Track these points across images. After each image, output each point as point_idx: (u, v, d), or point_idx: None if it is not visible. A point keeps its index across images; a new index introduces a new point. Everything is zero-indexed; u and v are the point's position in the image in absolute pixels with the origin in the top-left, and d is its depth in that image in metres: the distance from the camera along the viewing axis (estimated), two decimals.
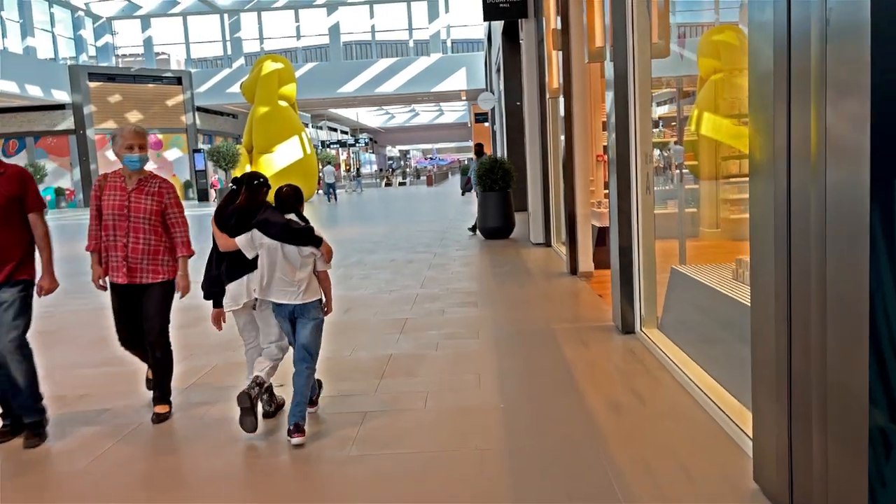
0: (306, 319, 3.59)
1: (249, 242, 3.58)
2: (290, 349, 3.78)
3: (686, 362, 4.40)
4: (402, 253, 10.98)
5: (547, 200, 10.46)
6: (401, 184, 45.93)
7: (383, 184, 46.26)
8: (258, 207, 3.64)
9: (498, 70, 23.11)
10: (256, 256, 3.58)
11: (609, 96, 5.39)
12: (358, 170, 46.28)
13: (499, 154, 24.12)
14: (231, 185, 3.78)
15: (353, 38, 44.74)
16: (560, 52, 7.95)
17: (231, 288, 3.68)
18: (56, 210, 33.66)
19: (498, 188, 11.87)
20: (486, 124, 29.10)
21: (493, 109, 27.80)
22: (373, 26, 38.77)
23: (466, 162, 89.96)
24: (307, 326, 3.59)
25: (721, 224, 5.34)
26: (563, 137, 8.19)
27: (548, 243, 10.62)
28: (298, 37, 38.75)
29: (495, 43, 22.74)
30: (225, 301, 3.73)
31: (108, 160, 34.97)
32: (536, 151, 10.86)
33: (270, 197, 3.75)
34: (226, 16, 37.90)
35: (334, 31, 37.44)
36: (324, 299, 3.71)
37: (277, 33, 42.55)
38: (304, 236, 3.56)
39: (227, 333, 4.31)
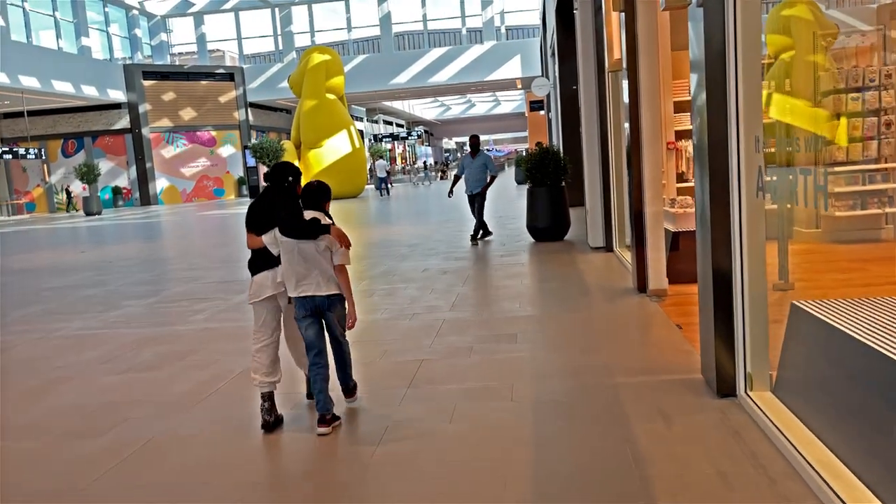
0: (332, 312, 3.64)
1: (273, 240, 3.60)
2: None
3: (828, 463, 2.74)
4: (439, 260, 9.44)
5: (607, 196, 8.74)
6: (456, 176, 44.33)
7: (438, 176, 44.74)
8: (285, 201, 3.64)
9: (553, 54, 21.29)
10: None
11: (698, 55, 3.70)
12: (425, 163, 44.78)
13: (555, 144, 22.32)
14: (264, 179, 3.76)
15: (405, 28, 43.35)
16: (622, 14, 6.25)
17: (256, 280, 3.69)
18: (113, 209, 33.44)
19: (549, 182, 10.19)
20: (542, 112, 27.25)
21: (548, 96, 25.95)
22: (424, 15, 37.24)
23: (523, 153, 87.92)
24: (336, 318, 3.67)
25: (823, 223, 4.06)
26: (626, 121, 6.48)
27: (608, 247, 8.91)
28: (349, 29, 37.55)
29: (550, 25, 20.92)
30: (249, 293, 3.75)
31: (163, 158, 34.61)
32: (594, 138, 9.14)
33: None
34: (277, 10, 36.98)
35: (385, 21, 36.09)
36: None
37: (328, 26, 41.33)
38: (309, 230, 3.49)
39: None
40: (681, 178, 7.61)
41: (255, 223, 3.67)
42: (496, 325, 5.65)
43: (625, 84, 6.35)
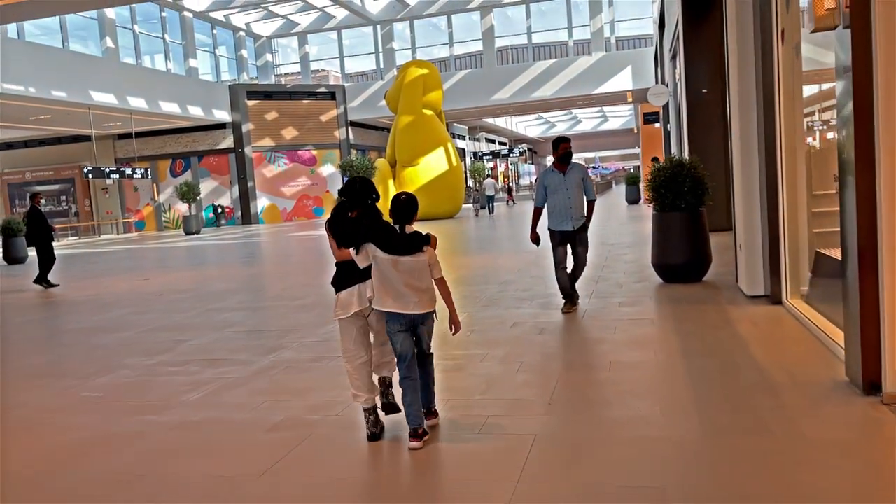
0: (425, 326, 3.55)
1: (364, 255, 3.46)
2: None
3: None
4: (535, 307, 7.06)
5: (774, 222, 6.07)
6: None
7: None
8: (370, 217, 3.49)
9: (674, 57, 18.43)
10: (368, 267, 3.46)
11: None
12: None
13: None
14: (338, 196, 3.60)
15: (508, 42, 41.24)
16: None
17: (342, 297, 3.57)
18: (214, 228, 33.04)
19: (684, 205, 7.58)
20: (657, 125, 24.25)
21: (665, 107, 22.95)
22: (528, 27, 34.94)
23: (632, 170, 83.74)
24: (427, 332, 3.58)
25: None
26: (847, 100, 3.89)
27: (775, 298, 6.21)
28: (451, 44, 35.80)
29: (669, 25, 18.12)
30: (335, 309, 3.61)
31: (264, 177, 33.97)
32: (752, 140, 6.49)
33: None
34: (378, 27, 35.79)
35: (488, 35, 34.08)
36: (441, 312, 3.62)
37: (429, 42, 39.84)
38: (414, 243, 3.42)
39: None
40: None
41: (344, 236, 3.49)
42: (622, 456, 3.21)
43: (838, 47, 3.79)
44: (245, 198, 33.72)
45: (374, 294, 3.48)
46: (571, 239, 6.62)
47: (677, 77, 18.00)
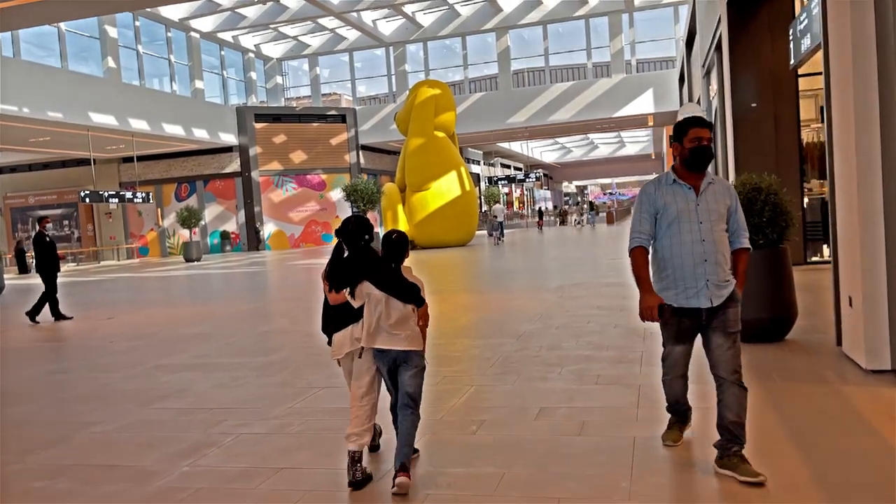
0: (409, 366, 3.42)
1: (359, 294, 3.42)
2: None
3: None
4: (563, 380, 5.13)
5: None
6: (577, 223, 39.45)
7: (558, 222, 40.11)
8: (364, 258, 3.43)
9: (707, 73, 16.60)
10: (362, 306, 3.43)
11: None
12: (591, 203, 40.06)
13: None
14: (335, 235, 3.51)
15: (525, 64, 39.71)
16: None
17: (337, 337, 3.54)
18: (220, 254, 31.42)
19: (762, 241, 5.68)
20: None
21: None
22: (546, 49, 33.33)
23: None
24: (409, 372, 3.41)
25: None
26: None
27: None
28: (465, 66, 34.24)
29: (703, 39, 16.34)
30: (332, 350, 3.59)
31: (272, 202, 32.38)
32: (870, 164, 4.62)
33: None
34: (391, 48, 34.34)
35: (504, 57, 32.50)
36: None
37: (443, 64, 38.40)
38: (409, 294, 3.38)
39: None
40: None
41: (340, 280, 3.45)
42: None
43: None
44: (251, 223, 32.11)
45: (361, 334, 3.44)
46: (707, 324, 3.34)
47: (712, 94, 16.16)
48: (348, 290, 3.42)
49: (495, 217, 26.33)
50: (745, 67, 11.21)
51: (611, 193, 74.57)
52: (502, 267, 15.78)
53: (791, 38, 8.75)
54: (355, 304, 3.42)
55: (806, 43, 7.93)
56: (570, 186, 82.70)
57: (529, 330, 7.20)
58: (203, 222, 32.49)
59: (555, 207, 39.55)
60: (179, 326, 9.30)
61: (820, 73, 11.70)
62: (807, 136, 11.40)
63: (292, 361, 6.49)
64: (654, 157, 59.06)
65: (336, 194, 33.01)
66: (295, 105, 36.71)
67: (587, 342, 6.40)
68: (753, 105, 11.08)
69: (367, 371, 3.50)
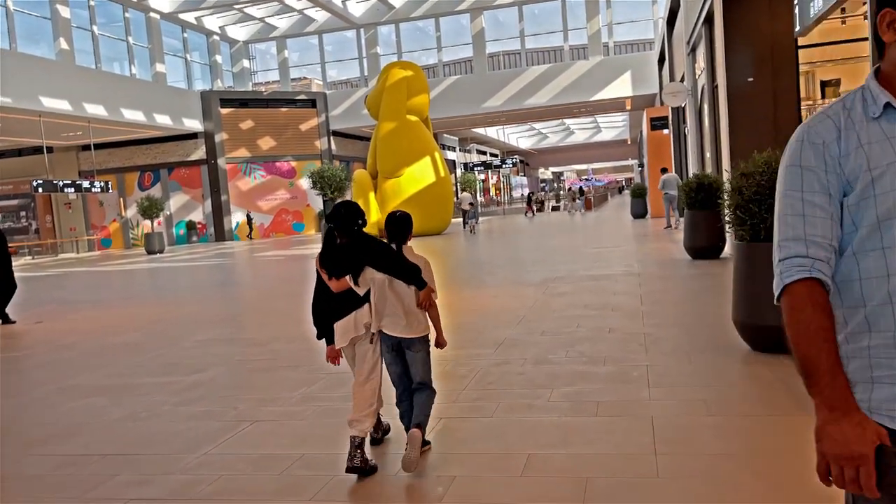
0: (412, 352, 3.35)
1: (363, 280, 3.33)
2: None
3: None
4: (553, 408, 4.04)
5: None
6: (554, 208, 38.52)
7: (534, 210, 39.09)
8: (364, 244, 3.33)
9: (692, 51, 15.59)
10: (367, 292, 3.34)
11: None
12: (581, 189, 38.33)
13: (692, 170, 16.50)
14: (326, 223, 3.60)
15: (500, 46, 38.52)
16: None
17: (339, 325, 3.39)
18: (187, 245, 29.96)
19: None
20: (666, 132, 21.40)
21: (678, 113, 20.14)
22: (521, 30, 32.14)
23: (623, 182, 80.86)
24: (416, 361, 3.36)
25: None
26: None
27: None
28: (439, 48, 32.93)
29: (688, 15, 15.30)
30: (336, 338, 3.41)
31: (239, 190, 30.93)
32: None
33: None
34: (362, 31, 32.90)
35: (478, 39, 31.25)
36: (433, 333, 3.45)
37: (417, 47, 37.04)
38: (411, 275, 3.27)
39: None
40: None
41: (340, 267, 3.33)
42: None
43: None
44: (218, 213, 30.64)
45: (369, 319, 3.36)
46: None
47: (698, 72, 15.17)
48: (350, 276, 3.32)
49: (463, 206, 24.77)
50: (741, 39, 10.19)
51: (587, 179, 73.83)
52: (479, 259, 14.69)
53: (796, 1, 7.72)
54: (360, 291, 3.33)
55: (816, 6, 6.90)
56: (546, 173, 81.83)
57: (511, 337, 6.12)
58: (168, 212, 30.98)
59: (531, 194, 38.37)
60: (110, 333, 8.07)
61: (821, 45, 10.75)
62: (811, 112, 10.42)
63: (224, 383, 5.34)
64: (629, 142, 58.31)
65: (307, 182, 31.62)
66: (263, 90, 35.13)
67: (579, 353, 5.33)
68: (750, 80, 10.07)
69: (371, 356, 3.42)
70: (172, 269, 17.67)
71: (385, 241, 3.44)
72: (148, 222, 28.68)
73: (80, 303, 11.66)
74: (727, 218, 4.92)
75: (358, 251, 3.30)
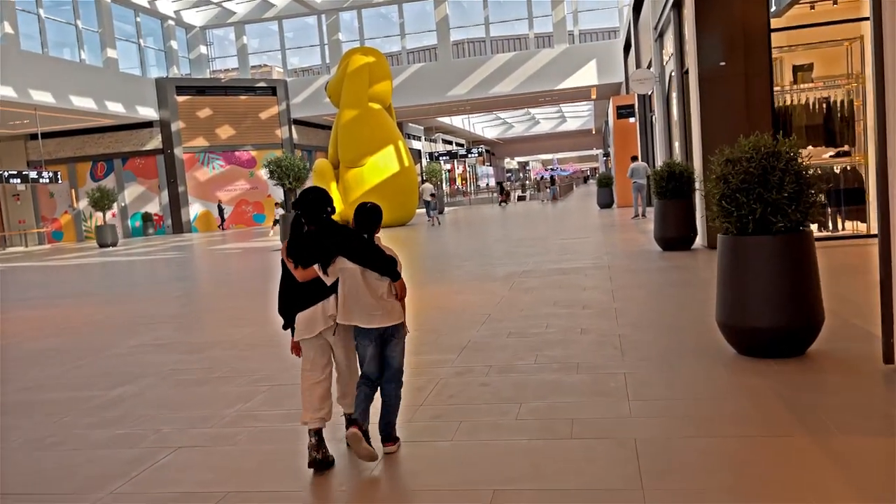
0: (396, 339, 3.28)
1: (332, 270, 3.18)
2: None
3: None
4: (522, 429, 3.50)
5: None
6: (520, 198, 38.10)
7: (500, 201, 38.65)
8: (335, 232, 3.18)
9: (660, 36, 15.18)
10: (335, 282, 3.19)
11: None
12: (552, 178, 37.38)
13: (659, 159, 16.14)
14: (293, 210, 3.39)
15: (465, 34, 37.90)
16: None
17: (306, 315, 3.22)
18: (143, 237, 28.82)
19: (784, 224, 4.16)
20: (633, 120, 21.06)
21: (643, 101, 19.78)
22: (486, 17, 31.52)
23: (588, 173, 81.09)
24: (397, 348, 3.29)
25: None
26: None
27: None
28: (403, 35, 32.13)
29: (654, 1, 14.89)
30: (297, 330, 3.25)
31: (197, 181, 29.84)
32: None
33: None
34: (323, 17, 31.94)
35: (443, 26, 30.55)
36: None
37: (380, 34, 36.25)
38: (386, 267, 3.17)
39: None
40: None
41: (308, 255, 3.15)
42: None
43: None
44: (175, 204, 29.54)
45: (336, 311, 3.21)
46: None
47: (666, 58, 14.77)
48: (319, 266, 3.16)
49: (425, 196, 23.93)
50: (712, 22, 9.75)
51: (552, 169, 73.73)
52: (444, 251, 14.12)
53: None
54: (328, 281, 3.20)
55: None
56: (511, 162, 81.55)
57: (475, 339, 5.56)
58: (123, 203, 29.78)
59: (498, 184, 37.79)
60: (32, 338, 7.31)
61: (791, 28, 10.37)
62: (782, 98, 10.05)
63: (150, 398, 4.69)
64: (594, 132, 58.23)
65: (268, 172, 30.62)
66: (222, 77, 33.93)
67: (549, 358, 4.81)
68: (722, 64, 9.64)
69: (326, 352, 3.32)
70: (121, 264, 16.75)
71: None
72: (100, 214, 27.46)
73: (8, 301, 10.79)
74: (713, 209, 4.41)
75: (327, 239, 3.15)
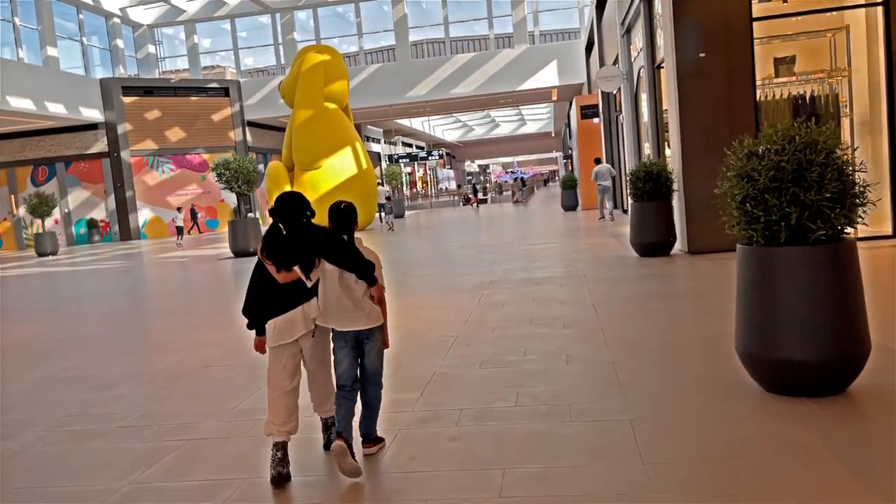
0: (372, 342, 3.14)
1: (316, 272, 3.10)
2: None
3: None
4: (499, 490, 2.60)
5: None
6: (481, 201, 37.21)
7: (462, 202, 37.79)
8: (316, 234, 3.08)
9: (627, 31, 14.46)
10: (316, 284, 3.11)
11: None
12: (523, 180, 36.19)
13: (628, 160, 15.43)
14: (269, 214, 3.09)
15: (424, 34, 36.96)
16: None
17: (285, 318, 3.08)
18: (88, 245, 27.10)
19: (825, 232, 3.32)
20: (597, 120, 20.38)
21: (607, 101, 19.11)
22: (445, 17, 30.63)
23: (548, 175, 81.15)
24: (373, 351, 3.15)
25: None
26: None
27: None
28: (360, 35, 31.01)
29: None
30: (273, 335, 3.09)
31: (146, 185, 28.24)
32: None
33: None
34: (278, 15, 30.64)
35: (401, 25, 29.56)
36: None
37: (336, 33, 35.11)
38: (363, 270, 3.04)
39: None
40: None
41: (290, 258, 3.05)
42: None
43: None
44: (123, 210, 27.88)
45: (318, 313, 3.12)
46: None
47: (634, 54, 14.06)
48: (300, 268, 3.05)
49: (379, 199, 22.78)
50: (690, 11, 8.99)
51: (512, 172, 73.28)
52: (404, 259, 13.15)
53: None
54: (309, 283, 3.10)
55: None
56: (472, 165, 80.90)
57: (441, 371, 4.60)
58: (67, 209, 28.00)
59: (458, 187, 36.88)
60: None
61: (778, 17, 9.70)
62: (764, 91, 9.35)
63: (28, 464, 3.60)
64: (553, 134, 57.91)
65: (214, 175, 29.18)
66: (172, 78, 32.30)
67: (533, 398, 3.88)
68: (701, 55, 8.88)
69: (298, 358, 3.17)
70: (55, 275, 15.32)
71: None
72: (40, 221, 25.65)
73: None
74: (734, 213, 3.54)
75: (307, 241, 3.05)
